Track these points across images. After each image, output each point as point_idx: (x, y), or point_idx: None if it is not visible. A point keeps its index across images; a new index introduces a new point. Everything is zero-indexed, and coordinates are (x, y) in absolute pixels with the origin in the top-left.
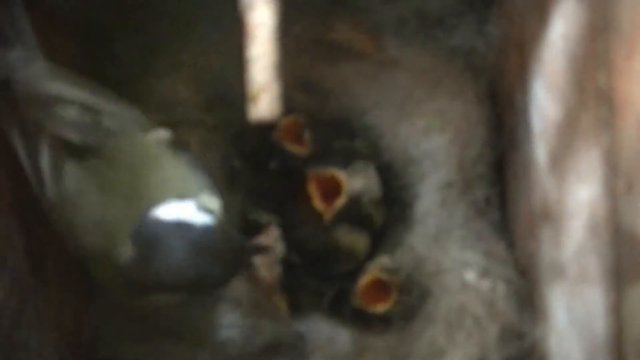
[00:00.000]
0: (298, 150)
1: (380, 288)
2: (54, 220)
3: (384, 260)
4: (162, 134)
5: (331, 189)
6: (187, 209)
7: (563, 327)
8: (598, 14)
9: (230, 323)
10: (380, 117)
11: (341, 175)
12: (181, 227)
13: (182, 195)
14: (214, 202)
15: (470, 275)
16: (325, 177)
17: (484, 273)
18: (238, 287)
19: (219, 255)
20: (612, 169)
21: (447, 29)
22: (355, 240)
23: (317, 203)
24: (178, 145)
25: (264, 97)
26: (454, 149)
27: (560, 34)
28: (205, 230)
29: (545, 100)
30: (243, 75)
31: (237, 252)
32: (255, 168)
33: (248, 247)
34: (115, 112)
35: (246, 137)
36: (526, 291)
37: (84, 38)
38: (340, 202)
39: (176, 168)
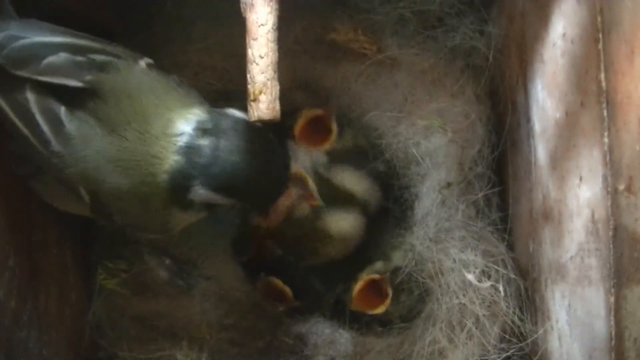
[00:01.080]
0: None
1: (375, 290)
2: (66, 176)
3: (377, 265)
4: (147, 60)
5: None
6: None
7: (563, 327)
8: (598, 14)
9: None
10: (380, 117)
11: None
12: (248, 126)
13: (185, 109)
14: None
15: (471, 276)
16: None
17: (484, 273)
18: (238, 287)
19: (273, 163)
20: (612, 169)
21: (447, 29)
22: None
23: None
24: (161, 68)
25: (264, 97)
26: (454, 149)
27: (560, 34)
28: (265, 134)
29: (546, 100)
30: (243, 75)
31: (284, 165)
32: None
33: (289, 166)
34: (103, 49)
35: None
36: (526, 291)
37: None
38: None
39: (170, 87)
